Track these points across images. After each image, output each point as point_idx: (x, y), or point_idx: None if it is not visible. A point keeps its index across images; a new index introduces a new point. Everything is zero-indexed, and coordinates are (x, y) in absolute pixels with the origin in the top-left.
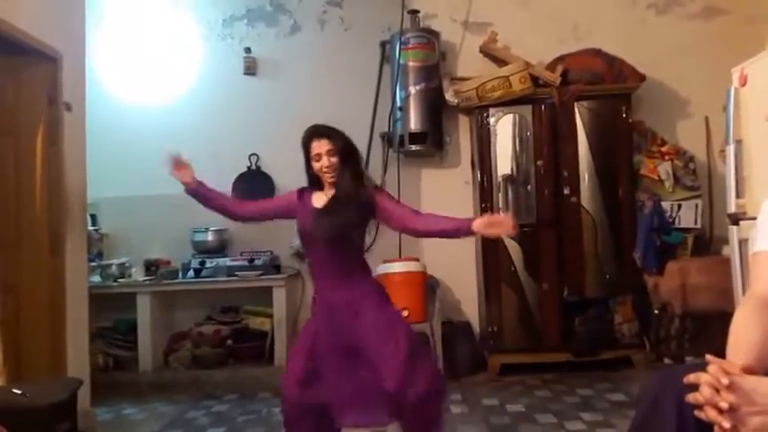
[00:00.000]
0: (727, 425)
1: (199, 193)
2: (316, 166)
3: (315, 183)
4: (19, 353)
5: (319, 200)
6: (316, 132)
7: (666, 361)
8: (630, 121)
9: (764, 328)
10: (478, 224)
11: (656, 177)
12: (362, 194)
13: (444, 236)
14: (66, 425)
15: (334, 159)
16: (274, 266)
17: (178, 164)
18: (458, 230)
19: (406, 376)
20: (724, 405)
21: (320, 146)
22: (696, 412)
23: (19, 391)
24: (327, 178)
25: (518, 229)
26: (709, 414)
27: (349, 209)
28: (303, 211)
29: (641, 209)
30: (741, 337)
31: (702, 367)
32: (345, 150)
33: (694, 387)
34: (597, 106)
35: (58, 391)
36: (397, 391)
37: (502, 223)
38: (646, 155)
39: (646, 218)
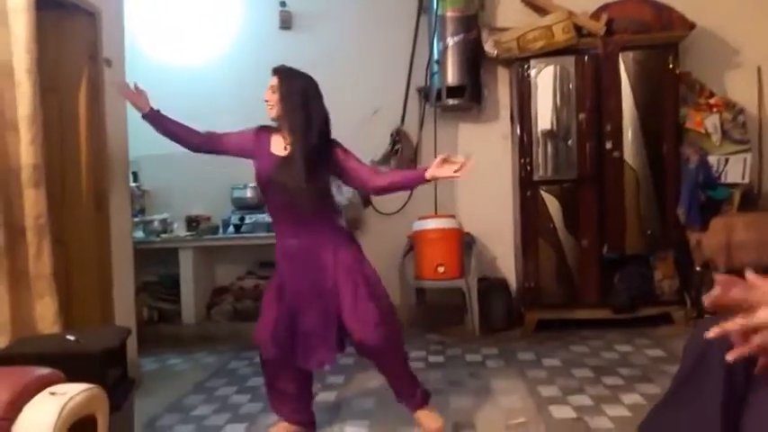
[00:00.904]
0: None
1: (154, 119)
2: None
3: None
4: (70, 305)
5: (278, 145)
6: (272, 71)
7: (707, 318)
8: (677, 72)
9: None
10: (431, 170)
11: (703, 131)
12: (318, 152)
13: (402, 189)
14: (117, 371)
15: (274, 95)
16: None
17: (131, 92)
18: (413, 180)
19: (368, 319)
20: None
21: (271, 81)
22: (728, 355)
23: (73, 338)
24: (269, 113)
25: (468, 170)
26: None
27: (309, 162)
28: (262, 155)
29: (686, 163)
30: None
31: None
32: (289, 90)
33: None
34: (643, 57)
35: (110, 339)
36: (360, 334)
37: (452, 163)
38: (692, 107)
39: (691, 172)
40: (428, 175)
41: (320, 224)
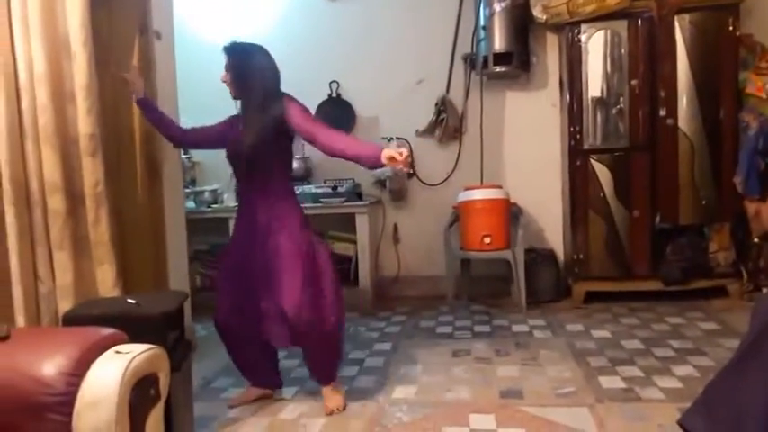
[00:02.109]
0: None
1: (144, 105)
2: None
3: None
4: (126, 271)
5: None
6: (223, 50)
7: (765, 291)
8: (738, 34)
9: None
10: (385, 155)
11: (764, 96)
12: (271, 112)
13: (354, 161)
14: (175, 333)
15: (227, 75)
16: (356, 194)
17: (135, 76)
18: (368, 158)
19: (302, 303)
20: None
21: (225, 60)
22: None
23: (133, 301)
24: (230, 93)
25: (409, 168)
26: None
27: (259, 129)
28: (231, 136)
29: (745, 130)
30: None
31: None
32: (238, 67)
33: None
34: (700, 19)
35: (168, 302)
36: (293, 316)
37: (399, 159)
38: (753, 72)
39: (750, 140)
40: (384, 159)
41: (278, 200)
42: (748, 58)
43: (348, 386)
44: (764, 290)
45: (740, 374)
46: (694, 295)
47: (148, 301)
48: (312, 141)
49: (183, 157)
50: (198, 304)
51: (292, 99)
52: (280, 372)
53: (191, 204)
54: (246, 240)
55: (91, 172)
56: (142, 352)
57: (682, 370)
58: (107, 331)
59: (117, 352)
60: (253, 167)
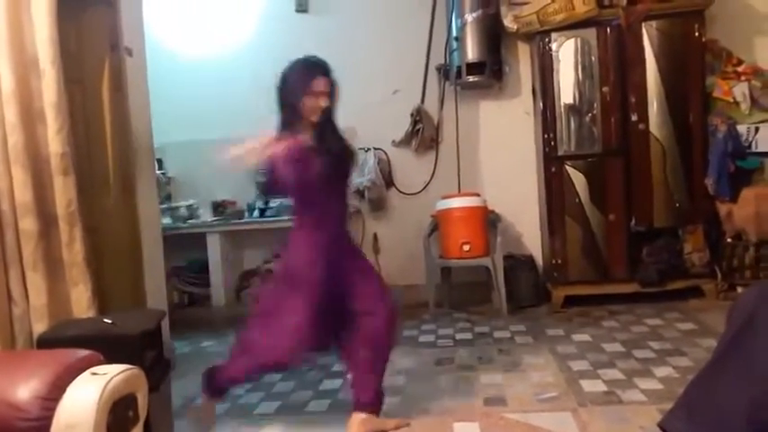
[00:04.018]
0: None
1: None
2: (312, 102)
3: (288, 125)
4: (102, 290)
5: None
6: (324, 69)
7: (740, 290)
8: (704, 40)
9: None
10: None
11: (731, 100)
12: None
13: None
14: (153, 352)
15: (327, 102)
16: None
17: None
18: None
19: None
20: None
21: (325, 84)
22: None
23: (109, 321)
24: (314, 118)
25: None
26: None
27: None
28: (305, 163)
29: (714, 133)
30: None
31: None
32: (334, 95)
33: None
34: (667, 26)
35: (145, 321)
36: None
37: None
38: (720, 76)
39: (719, 142)
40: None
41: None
42: (715, 63)
43: (332, 398)
44: (739, 289)
45: (720, 374)
46: (671, 296)
47: (125, 320)
48: None
49: (158, 172)
50: (176, 321)
51: None
52: None
53: (167, 220)
54: (324, 263)
55: (63, 192)
56: (119, 373)
57: (662, 371)
58: (82, 353)
59: (93, 374)
60: (335, 191)
